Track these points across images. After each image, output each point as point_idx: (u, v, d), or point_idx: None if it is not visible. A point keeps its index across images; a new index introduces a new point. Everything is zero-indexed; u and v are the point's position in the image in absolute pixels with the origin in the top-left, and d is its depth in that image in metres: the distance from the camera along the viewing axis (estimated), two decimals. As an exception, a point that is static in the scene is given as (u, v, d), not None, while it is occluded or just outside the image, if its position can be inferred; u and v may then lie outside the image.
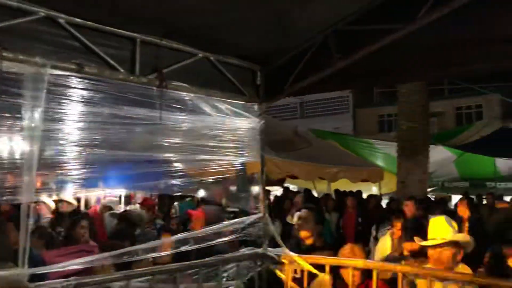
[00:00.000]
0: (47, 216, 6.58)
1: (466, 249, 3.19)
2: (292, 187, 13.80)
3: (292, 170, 9.36)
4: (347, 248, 3.60)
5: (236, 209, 7.17)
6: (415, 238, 3.39)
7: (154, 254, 3.42)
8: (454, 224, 3.27)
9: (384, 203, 10.75)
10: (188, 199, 8.25)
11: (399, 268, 3.32)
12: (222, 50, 3.76)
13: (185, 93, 3.58)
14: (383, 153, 13.68)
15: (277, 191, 13.11)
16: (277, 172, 8.76)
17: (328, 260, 3.56)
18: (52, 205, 6.84)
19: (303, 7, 3.29)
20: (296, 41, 3.79)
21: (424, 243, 3.24)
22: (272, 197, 10.88)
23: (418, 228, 3.76)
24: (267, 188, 11.65)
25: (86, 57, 2.96)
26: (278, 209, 8.53)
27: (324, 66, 3.72)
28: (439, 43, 3.49)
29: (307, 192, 11.08)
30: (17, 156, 2.94)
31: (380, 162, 13.74)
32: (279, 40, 3.76)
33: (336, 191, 11.43)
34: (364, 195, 10.97)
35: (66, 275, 2.96)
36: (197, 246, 3.58)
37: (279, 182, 11.47)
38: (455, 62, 3.70)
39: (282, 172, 9.02)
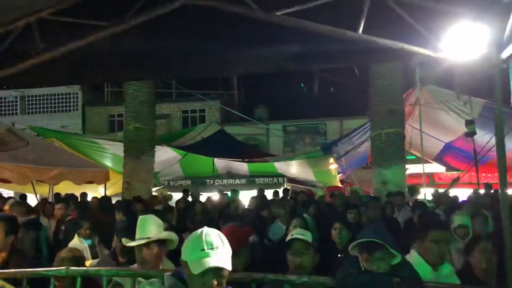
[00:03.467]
0: None
1: (170, 246, 3.34)
2: (8, 193, 12.24)
3: (3, 173, 8.22)
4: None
5: None
6: (123, 240, 3.37)
7: None
8: (160, 222, 3.38)
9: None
10: None
11: (103, 271, 3.23)
12: None
13: None
14: (112, 153, 13.49)
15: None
16: (-19, 175, 7.54)
17: (25, 273, 3.19)
18: None
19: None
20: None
21: (130, 243, 3.24)
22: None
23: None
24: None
25: None
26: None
27: (26, 56, 3.34)
28: (146, 47, 3.58)
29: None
30: None
31: (108, 163, 13.50)
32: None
33: (56, 194, 10.65)
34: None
35: None
36: None
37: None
38: (160, 67, 3.86)
39: (-12, 175, 7.82)
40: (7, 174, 8.26)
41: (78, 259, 3.43)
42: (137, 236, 3.30)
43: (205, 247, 1.91)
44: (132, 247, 3.33)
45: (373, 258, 2.57)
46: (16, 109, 26.23)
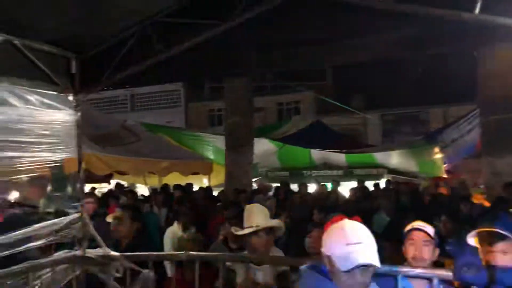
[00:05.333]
0: None
1: (278, 233, 3.45)
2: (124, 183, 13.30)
3: (120, 165, 8.99)
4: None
5: (52, 210, 6.58)
6: (233, 228, 3.54)
7: None
8: (267, 211, 3.50)
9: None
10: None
11: (220, 257, 3.42)
12: (29, 35, 3.37)
13: (-17, 81, 3.13)
14: (213, 146, 14.07)
15: (105, 188, 12.50)
16: (103, 168, 8.32)
17: (149, 256, 3.50)
18: None
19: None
20: (113, 30, 3.63)
21: (239, 232, 3.39)
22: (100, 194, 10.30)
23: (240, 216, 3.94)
24: (93, 185, 11.07)
25: None
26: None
27: (145, 57, 3.63)
28: (254, 42, 3.70)
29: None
30: None
31: (210, 155, 14.11)
32: (95, 26, 3.55)
33: (165, 185, 11.39)
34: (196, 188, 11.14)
35: None
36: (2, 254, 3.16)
37: (106, 179, 10.94)
38: (267, 60, 3.97)
39: (109, 168, 8.60)
40: (124, 166, 9.02)
41: (199, 244, 3.67)
42: (245, 224, 3.45)
43: (351, 242, 1.85)
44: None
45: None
46: (126, 107, 28.43)
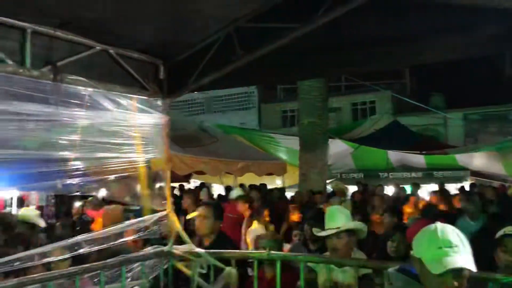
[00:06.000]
0: None
1: (360, 235, 3.42)
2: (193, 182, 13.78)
3: (199, 165, 9.35)
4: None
5: (138, 207, 6.98)
6: (314, 230, 3.56)
7: (50, 259, 3.21)
8: (348, 212, 3.49)
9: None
10: (90, 198, 7.85)
11: (301, 257, 3.46)
12: (122, 43, 3.62)
13: (83, 88, 3.40)
14: (286, 147, 14.15)
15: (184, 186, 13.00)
16: (183, 168, 8.70)
17: (233, 254, 3.62)
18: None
19: (201, 2, 3.30)
20: (198, 36, 3.78)
21: (321, 233, 3.41)
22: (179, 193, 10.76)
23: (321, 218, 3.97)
24: (173, 184, 11.59)
25: (-33, 47, 2.69)
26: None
27: (228, 62, 3.75)
28: (333, 43, 3.69)
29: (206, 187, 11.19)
30: None
31: (283, 156, 14.21)
32: (181, 34, 3.73)
33: (241, 185, 11.62)
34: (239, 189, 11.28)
35: None
36: (97, 247, 3.42)
37: (186, 178, 11.39)
38: (347, 62, 3.94)
39: (189, 168, 8.97)
40: (202, 167, 9.37)
41: (279, 243, 3.74)
42: (326, 226, 3.46)
43: (443, 245, 1.83)
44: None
45: None
46: (203, 109, 29.36)
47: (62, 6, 3.00)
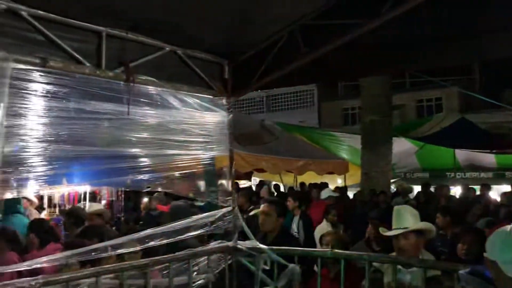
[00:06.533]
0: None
1: (428, 235, 3.32)
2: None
3: (259, 163, 9.43)
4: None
5: (202, 203, 7.18)
6: (380, 229, 3.49)
7: (123, 250, 3.38)
8: (416, 212, 3.39)
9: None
10: (155, 194, 8.16)
11: (366, 257, 3.41)
12: (189, 44, 3.74)
13: (153, 87, 3.55)
14: (348, 145, 13.93)
15: (244, 184, 13.18)
16: (245, 165, 8.81)
17: (296, 251, 3.63)
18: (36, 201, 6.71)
19: (268, 1, 3.33)
20: (262, 35, 3.82)
21: (388, 233, 3.34)
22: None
23: (385, 218, 3.90)
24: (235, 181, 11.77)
25: (50, 50, 2.89)
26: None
27: (291, 60, 3.77)
28: (401, 39, 3.59)
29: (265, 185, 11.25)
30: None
31: (345, 155, 14.00)
32: (246, 33, 3.78)
33: (302, 184, 11.60)
34: (331, 187, 11.16)
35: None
36: (167, 241, 3.56)
37: (247, 176, 11.53)
38: (415, 57, 3.82)
39: (250, 165, 9.08)
40: (263, 165, 9.44)
41: (343, 242, 3.71)
42: (394, 225, 3.39)
43: None
44: (387, 236, 3.43)
45: None
46: (262, 108, 29.57)
47: (134, 10, 3.15)
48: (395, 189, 12.27)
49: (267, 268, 3.75)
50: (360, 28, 3.36)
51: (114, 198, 8.70)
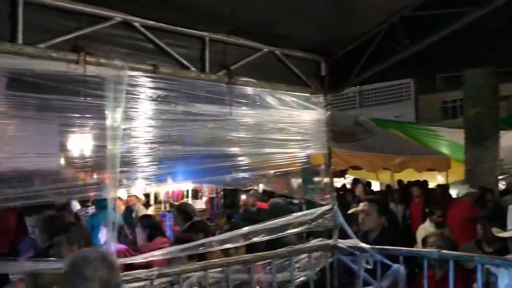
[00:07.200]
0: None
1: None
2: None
3: (355, 161, 9.24)
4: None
5: (297, 201, 7.22)
6: (493, 229, 3.28)
7: (228, 245, 3.51)
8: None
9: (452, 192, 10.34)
10: (251, 192, 8.37)
11: (478, 258, 3.21)
12: (286, 44, 3.79)
13: (252, 88, 3.65)
14: (449, 140, 13.14)
15: (337, 182, 13.00)
16: (340, 163, 8.67)
17: (401, 251, 3.52)
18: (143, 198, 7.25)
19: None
20: (360, 30, 3.75)
21: (503, 234, 3.12)
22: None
23: (495, 217, 3.65)
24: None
25: (160, 58, 3.10)
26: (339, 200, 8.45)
27: (392, 53, 3.66)
28: (507, 28, 3.33)
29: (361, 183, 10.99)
30: (100, 154, 3.12)
31: (445, 150, 13.21)
32: (342, 30, 3.74)
33: (399, 181, 11.17)
34: (431, 185, 10.64)
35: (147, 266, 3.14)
36: (269, 237, 3.64)
37: (341, 174, 11.36)
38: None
39: (345, 163, 8.93)
40: (359, 162, 9.24)
41: (450, 243, 3.53)
42: (509, 226, 3.17)
43: None
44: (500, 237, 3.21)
45: None
46: (355, 103, 28.94)
47: (234, 14, 3.26)
48: (503, 187, 11.36)
49: (370, 267, 3.68)
50: (467, 17, 3.17)
51: (214, 195, 9.06)
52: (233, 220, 7.39)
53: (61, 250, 3.08)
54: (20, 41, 2.54)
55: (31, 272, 2.60)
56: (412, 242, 5.81)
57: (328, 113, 4.08)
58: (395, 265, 3.48)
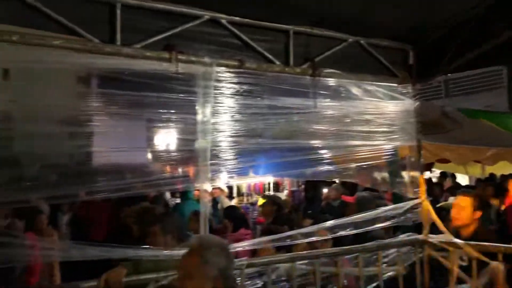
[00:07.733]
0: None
1: None
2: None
3: (443, 153, 8.78)
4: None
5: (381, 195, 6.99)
6: None
7: (314, 238, 3.51)
8: None
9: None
10: (334, 185, 8.26)
11: None
12: (372, 33, 3.68)
13: (336, 79, 3.59)
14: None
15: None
16: (427, 155, 8.27)
17: (500, 248, 3.30)
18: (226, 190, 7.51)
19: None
20: (451, 14, 3.54)
21: None
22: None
23: None
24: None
25: (245, 53, 3.16)
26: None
27: (486, 39, 3.42)
28: None
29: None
30: (187, 147, 3.25)
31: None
32: (432, 14, 3.55)
33: (491, 175, 10.46)
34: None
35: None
36: (356, 231, 3.58)
37: (427, 167, 10.86)
38: None
39: (432, 155, 8.52)
40: (447, 154, 8.78)
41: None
42: None
43: None
44: None
45: None
46: (440, 93, 27.39)
47: (317, 5, 3.23)
48: None
49: (464, 264, 3.49)
50: None
51: (295, 189, 9.08)
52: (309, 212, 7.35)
53: (156, 239, 3.25)
54: (118, 42, 2.71)
55: (133, 257, 2.77)
56: (507, 239, 5.42)
57: (417, 103, 3.92)
58: (494, 263, 3.27)
